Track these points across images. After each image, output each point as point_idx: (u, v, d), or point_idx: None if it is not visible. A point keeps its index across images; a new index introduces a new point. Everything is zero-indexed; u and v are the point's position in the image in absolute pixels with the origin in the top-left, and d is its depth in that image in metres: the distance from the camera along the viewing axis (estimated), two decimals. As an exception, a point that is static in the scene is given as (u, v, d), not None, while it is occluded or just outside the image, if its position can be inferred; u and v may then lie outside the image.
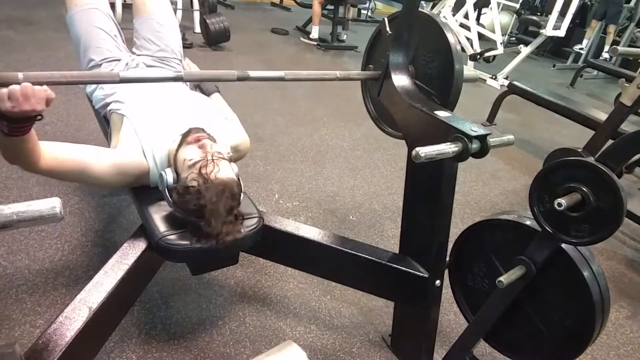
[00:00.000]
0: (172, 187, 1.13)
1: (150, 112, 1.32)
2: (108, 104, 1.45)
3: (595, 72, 6.71)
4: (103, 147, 1.23)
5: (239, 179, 1.18)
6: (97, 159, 1.17)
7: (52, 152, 1.10)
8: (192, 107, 1.43)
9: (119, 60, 1.59)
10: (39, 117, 0.94)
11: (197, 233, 1.09)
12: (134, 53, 1.70)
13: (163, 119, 1.30)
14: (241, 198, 1.16)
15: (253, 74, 1.15)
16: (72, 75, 0.97)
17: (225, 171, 1.14)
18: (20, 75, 0.87)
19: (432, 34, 1.30)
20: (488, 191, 2.84)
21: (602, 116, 2.87)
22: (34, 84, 0.90)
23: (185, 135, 1.20)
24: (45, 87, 0.89)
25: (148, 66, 1.64)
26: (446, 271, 1.39)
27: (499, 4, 5.62)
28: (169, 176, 1.13)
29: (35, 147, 1.02)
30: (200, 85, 1.60)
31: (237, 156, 1.40)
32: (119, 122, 1.34)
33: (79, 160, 1.14)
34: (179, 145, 1.18)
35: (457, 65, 1.25)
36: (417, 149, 0.97)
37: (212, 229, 1.06)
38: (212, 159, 1.12)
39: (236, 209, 1.14)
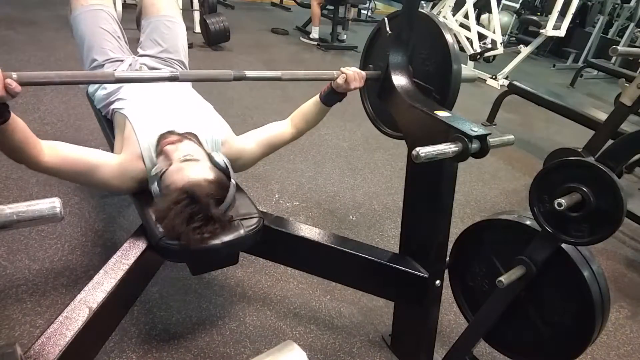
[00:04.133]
0: (159, 194, 1.13)
1: (151, 115, 1.31)
2: (111, 103, 1.45)
3: (595, 72, 6.71)
4: (108, 152, 1.24)
5: (222, 173, 1.16)
6: (104, 162, 1.18)
7: (57, 150, 1.10)
8: (195, 110, 1.42)
9: (122, 61, 1.59)
10: (4, 107, 0.89)
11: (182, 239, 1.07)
12: (137, 53, 1.70)
13: (162, 122, 1.28)
14: (230, 194, 1.13)
15: (250, 73, 1.14)
16: (67, 75, 0.97)
17: (196, 171, 1.11)
18: (14, 75, 0.86)
19: (430, 34, 1.30)
20: (488, 191, 2.84)
21: (602, 116, 2.87)
22: (28, 83, 0.90)
23: (160, 142, 1.20)
24: (13, 78, 0.86)
25: (150, 68, 1.64)
26: (446, 271, 1.39)
27: (499, 4, 5.61)
28: (154, 190, 1.15)
29: (27, 142, 1.01)
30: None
31: (241, 162, 1.39)
32: (122, 122, 1.34)
33: (86, 162, 1.14)
34: (157, 156, 1.20)
35: (455, 65, 1.25)
36: (417, 149, 0.97)
37: (206, 228, 1.05)
38: (175, 168, 1.12)
39: (209, 208, 1.06)
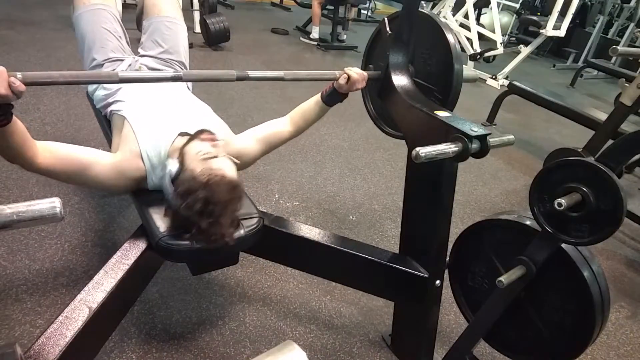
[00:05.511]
0: (175, 177, 1.12)
1: (150, 115, 1.31)
2: (109, 104, 1.45)
3: (595, 72, 6.71)
4: (103, 151, 1.23)
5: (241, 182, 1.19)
6: (99, 160, 1.17)
7: (52, 150, 1.09)
8: (194, 110, 1.42)
9: (121, 60, 1.59)
10: (8, 108, 0.90)
11: (196, 231, 1.06)
12: (138, 53, 1.70)
13: (162, 121, 1.29)
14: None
15: (252, 73, 1.15)
16: (71, 75, 0.97)
17: (234, 173, 1.15)
18: (18, 75, 0.86)
19: (431, 34, 1.30)
20: (488, 191, 2.84)
21: (602, 116, 2.87)
22: (32, 83, 0.90)
23: (199, 133, 1.21)
24: (18, 78, 0.86)
25: (151, 69, 1.64)
26: (446, 271, 1.39)
27: (499, 4, 5.61)
28: (174, 165, 1.14)
29: (25, 143, 1.00)
30: None
31: (241, 162, 1.39)
32: (120, 123, 1.34)
33: (80, 161, 1.14)
34: (190, 140, 1.19)
35: (457, 65, 1.26)
36: (417, 149, 0.97)
37: (220, 227, 1.05)
38: (224, 160, 1.15)
39: (236, 213, 1.13)
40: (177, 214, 1.08)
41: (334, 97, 1.37)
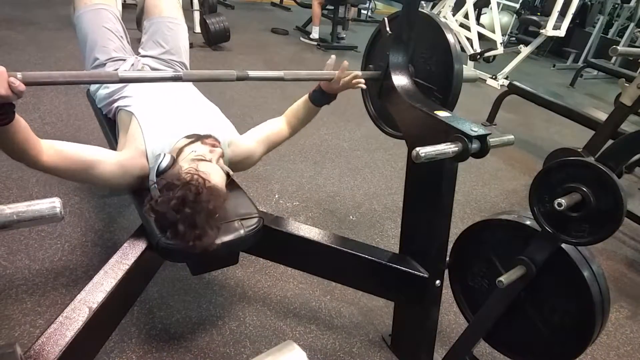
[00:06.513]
0: (163, 171, 1.14)
1: (159, 114, 1.31)
2: (115, 101, 1.45)
3: (595, 72, 6.71)
4: (107, 149, 1.24)
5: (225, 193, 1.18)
6: (104, 158, 1.17)
7: (56, 149, 1.09)
8: (202, 111, 1.42)
9: (124, 60, 1.59)
10: (10, 107, 0.89)
11: (173, 232, 1.05)
12: (138, 53, 1.70)
13: (170, 121, 1.29)
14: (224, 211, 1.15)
15: (252, 73, 1.15)
16: (71, 75, 0.97)
17: (220, 181, 1.16)
18: (18, 74, 0.86)
19: (431, 34, 1.30)
20: (488, 191, 2.84)
21: (602, 116, 2.87)
22: (32, 83, 0.90)
23: (205, 137, 1.24)
24: (18, 78, 0.86)
25: (153, 69, 1.64)
26: (446, 271, 1.40)
27: (499, 4, 5.61)
28: (166, 159, 1.15)
29: (28, 142, 1.00)
30: None
31: (245, 162, 1.40)
32: (127, 120, 1.34)
33: (84, 159, 1.14)
34: (193, 141, 1.22)
35: (457, 65, 1.26)
36: (417, 149, 0.97)
37: (192, 232, 1.04)
38: (213, 166, 1.17)
39: (213, 219, 1.09)
40: (153, 209, 1.07)
41: (319, 96, 1.40)
